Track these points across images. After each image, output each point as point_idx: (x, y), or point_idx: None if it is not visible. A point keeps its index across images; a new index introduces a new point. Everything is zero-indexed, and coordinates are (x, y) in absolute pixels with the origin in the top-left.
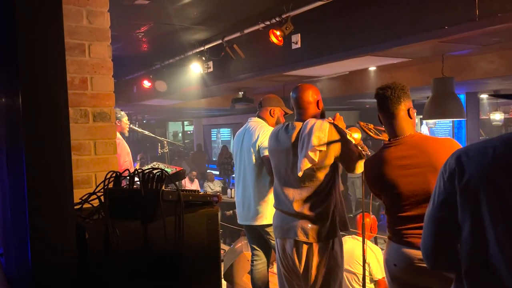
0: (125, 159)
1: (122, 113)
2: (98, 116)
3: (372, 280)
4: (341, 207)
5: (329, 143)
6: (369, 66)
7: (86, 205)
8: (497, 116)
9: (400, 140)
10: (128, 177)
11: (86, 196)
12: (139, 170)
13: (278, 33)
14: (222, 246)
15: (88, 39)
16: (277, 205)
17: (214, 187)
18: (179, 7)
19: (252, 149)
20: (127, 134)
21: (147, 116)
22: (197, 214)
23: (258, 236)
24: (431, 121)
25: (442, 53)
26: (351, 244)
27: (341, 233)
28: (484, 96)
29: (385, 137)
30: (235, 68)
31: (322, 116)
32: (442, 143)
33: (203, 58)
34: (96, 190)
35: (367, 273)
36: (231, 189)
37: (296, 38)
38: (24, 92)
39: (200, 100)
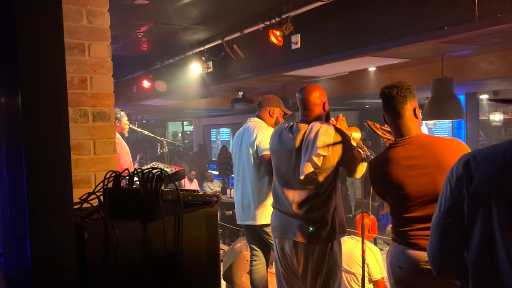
0: (125, 158)
1: (122, 113)
2: (98, 116)
3: (371, 281)
4: (340, 211)
5: (333, 149)
6: (368, 67)
7: (85, 205)
8: (497, 117)
9: (407, 140)
10: (127, 177)
11: (86, 195)
12: (138, 170)
13: (278, 33)
14: (222, 246)
15: (88, 39)
16: (276, 204)
17: (213, 187)
18: (179, 7)
19: (250, 149)
20: (126, 134)
21: (146, 116)
22: (196, 214)
23: (257, 236)
24: (430, 122)
25: (441, 53)
26: (350, 245)
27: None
28: (483, 96)
29: (390, 136)
30: (234, 68)
31: (327, 117)
32: (450, 143)
33: (203, 58)
34: (96, 190)
35: (366, 274)
36: (230, 189)
37: (296, 38)
38: (23, 92)
39: (199, 100)
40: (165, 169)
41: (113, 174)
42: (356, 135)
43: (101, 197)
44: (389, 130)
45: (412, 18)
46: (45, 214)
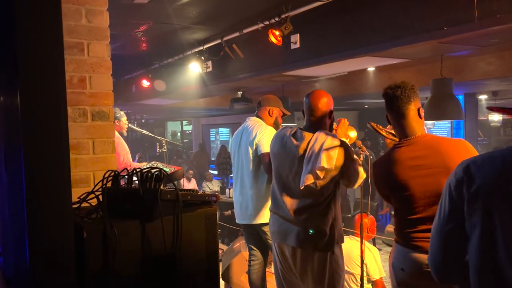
0: (125, 157)
1: (122, 112)
2: (97, 115)
3: (369, 281)
4: (339, 222)
5: (336, 163)
6: (368, 67)
7: (84, 204)
8: (496, 117)
9: (411, 140)
10: (126, 177)
11: (85, 195)
12: (137, 169)
13: (277, 33)
14: (220, 246)
15: (87, 38)
16: (275, 208)
17: (212, 186)
18: (178, 7)
19: (250, 148)
20: (125, 134)
21: (145, 116)
22: (195, 213)
23: (255, 235)
24: (429, 122)
25: (441, 54)
26: (349, 245)
27: None
28: (482, 97)
29: (394, 138)
30: (234, 68)
31: (330, 126)
32: (456, 144)
33: (202, 58)
34: (95, 189)
35: (364, 274)
36: (229, 189)
37: (295, 38)
38: (23, 91)
39: (199, 100)
40: (164, 168)
41: (112, 174)
42: (352, 134)
43: (100, 197)
44: (393, 131)
45: (411, 18)
46: (44, 214)
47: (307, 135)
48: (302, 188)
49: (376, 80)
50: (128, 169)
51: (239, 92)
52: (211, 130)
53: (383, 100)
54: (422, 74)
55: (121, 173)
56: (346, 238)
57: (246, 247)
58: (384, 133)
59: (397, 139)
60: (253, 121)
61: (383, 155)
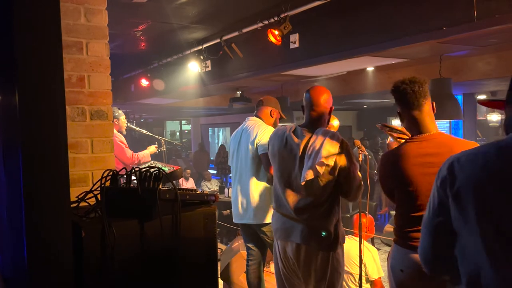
0: (129, 151)
1: (120, 111)
2: (96, 114)
3: (368, 280)
4: (340, 223)
5: (337, 159)
6: (367, 67)
7: (82, 204)
8: (494, 117)
9: (425, 137)
10: (125, 176)
11: (83, 194)
12: (136, 169)
13: (276, 32)
14: (219, 245)
15: (85, 37)
16: (277, 207)
17: (211, 186)
18: (177, 6)
19: (250, 147)
20: (124, 133)
21: (144, 115)
22: (194, 213)
23: (253, 235)
24: None
25: (440, 54)
26: (347, 244)
27: None
28: (481, 97)
29: (403, 136)
30: (233, 67)
31: (328, 122)
32: (470, 146)
33: (201, 57)
34: (93, 189)
35: (363, 273)
36: (228, 189)
37: (295, 37)
38: (21, 90)
39: (198, 99)
40: (163, 168)
41: (111, 173)
42: (335, 123)
43: (99, 196)
44: (401, 129)
45: (410, 18)
46: (42, 213)
47: (308, 132)
48: (303, 183)
49: (375, 80)
50: (136, 162)
51: (238, 92)
52: (210, 129)
53: (382, 100)
54: (421, 74)
55: (120, 172)
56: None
57: (244, 246)
58: (394, 133)
59: (405, 136)
60: (253, 121)
61: (393, 148)
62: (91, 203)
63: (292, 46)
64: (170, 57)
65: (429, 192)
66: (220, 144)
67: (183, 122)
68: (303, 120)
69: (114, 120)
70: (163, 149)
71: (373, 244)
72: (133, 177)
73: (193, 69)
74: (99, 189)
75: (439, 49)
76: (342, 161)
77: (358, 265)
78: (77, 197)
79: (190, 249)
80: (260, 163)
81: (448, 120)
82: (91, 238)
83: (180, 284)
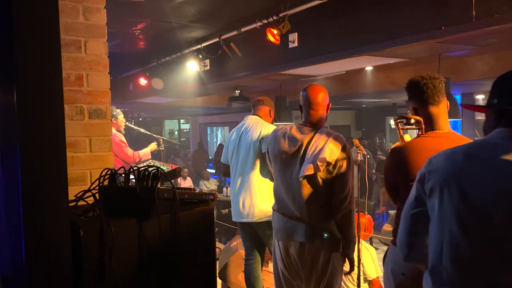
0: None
1: (118, 110)
2: (94, 113)
3: (366, 280)
4: None
5: (338, 159)
6: (365, 66)
7: (81, 203)
8: None
9: (438, 134)
10: (123, 175)
11: (81, 193)
12: (134, 168)
13: (275, 31)
14: (218, 244)
15: (84, 36)
16: (279, 208)
17: (209, 185)
18: (176, 5)
19: (253, 145)
20: (123, 132)
21: (143, 114)
22: (192, 212)
23: (253, 234)
24: None
25: (438, 53)
26: None
27: None
28: (479, 97)
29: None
30: (232, 67)
31: (325, 120)
32: None
33: (200, 56)
34: (91, 188)
35: (361, 273)
36: (227, 188)
37: (293, 37)
38: (19, 88)
39: (196, 98)
40: (161, 167)
41: (109, 172)
42: None
43: (97, 195)
44: (418, 119)
45: (409, 18)
46: (40, 212)
47: (308, 129)
48: (301, 178)
49: (373, 79)
50: (137, 160)
51: (236, 91)
52: (208, 128)
53: (381, 100)
54: (420, 73)
55: (118, 171)
56: None
57: (243, 246)
58: (411, 126)
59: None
60: (253, 119)
61: (405, 142)
62: (90, 202)
63: (291, 45)
64: (169, 56)
65: None
66: (218, 143)
67: (182, 121)
68: (301, 119)
69: (113, 119)
70: (161, 148)
71: (371, 243)
72: (132, 176)
73: (192, 68)
74: (97, 188)
75: (438, 48)
76: (343, 162)
77: (356, 264)
78: (75, 196)
79: (188, 248)
80: (264, 160)
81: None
82: (89, 237)
83: (178, 283)
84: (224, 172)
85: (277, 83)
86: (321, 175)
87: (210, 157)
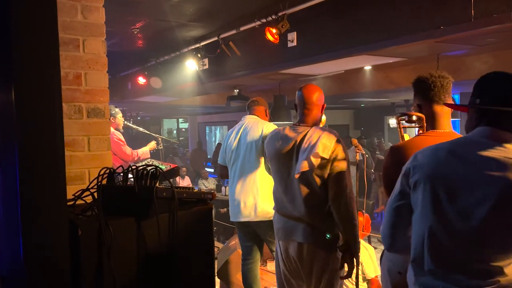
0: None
1: (117, 109)
2: (92, 112)
3: (365, 279)
4: None
5: (331, 155)
6: (364, 65)
7: (79, 202)
8: None
9: (439, 133)
10: (121, 174)
11: (79, 192)
12: (133, 167)
13: (274, 31)
14: (216, 243)
15: (82, 34)
16: (278, 208)
17: (208, 184)
18: (174, 4)
19: (255, 144)
20: (122, 131)
21: (141, 113)
22: (191, 211)
23: (252, 233)
24: None
25: (437, 53)
26: None
27: None
28: None
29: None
30: (230, 66)
31: (320, 120)
32: None
33: (199, 55)
34: (90, 187)
35: (360, 272)
36: (225, 187)
37: (292, 36)
38: (17, 87)
39: (195, 98)
40: (160, 166)
41: (107, 171)
42: (323, 118)
43: (95, 194)
44: (421, 116)
45: (408, 17)
46: (38, 211)
47: (302, 128)
48: (297, 176)
49: (372, 79)
50: (136, 159)
51: (235, 90)
52: (207, 127)
53: (379, 99)
54: (418, 73)
55: (117, 170)
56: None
57: None
58: (413, 124)
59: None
60: (252, 119)
61: (405, 140)
62: (88, 201)
63: (290, 44)
64: (168, 55)
65: None
66: (217, 142)
67: (180, 120)
68: (298, 116)
69: (111, 118)
70: (160, 147)
71: (369, 242)
72: (130, 175)
73: (191, 67)
74: (95, 187)
75: (437, 48)
76: (337, 158)
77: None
78: (73, 195)
79: (187, 247)
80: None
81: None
82: (87, 236)
83: (177, 282)
84: (221, 174)
85: (275, 82)
86: (316, 173)
87: (209, 156)
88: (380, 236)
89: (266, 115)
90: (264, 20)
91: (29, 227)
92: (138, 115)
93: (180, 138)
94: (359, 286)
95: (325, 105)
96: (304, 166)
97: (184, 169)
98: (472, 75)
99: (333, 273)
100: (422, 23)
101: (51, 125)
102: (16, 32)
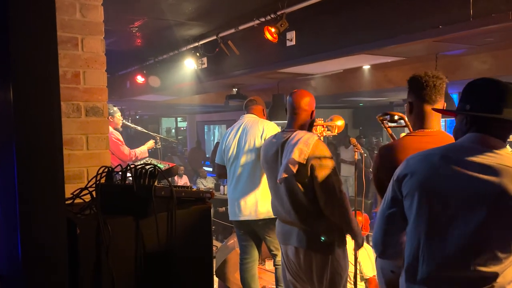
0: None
1: (115, 108)
2: (91, 111)
3: (362, 279)
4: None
5: (310, 159)
6: (363, 65)
7: (77, 200)
8: None
9: (427, 132)
10: (120, 173)
11: (78, 191)
12: (131, 166)
13: (273, 30)
14: (214, 242)
15: (81, 33)
16: (275, 213)
17: (207, 183)
18: (173, 2)
19: (256, 142)
20: (120, 129)
21: (140, 112)
22: (189, 210)
23: (251, 233)
24: None
25: (436, 52)
26: None
27: None
28: None
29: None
30: (229, 65)
31: (310, 126)
32: None
33: (197, 54)
34: (88, 185)
35: (358, 271)
36: (224, 186)
37: (291, 35)
38: (15, 86)
39: (193, 96)
40: (159, 165)
41: (106, 170)
42: (339, 123)
43: (94, 193)
44: (402, 116)
45: (407, 17)
46: (36, 210)
47: (287, 133)
48: (279, 182)
49: (370, 78)
50: (134, 158)
51: (234, 89)
52: (205, 126)
53: (378, 99)
54: (417, 72)
55: (115, 169)
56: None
57: None
58: (393, 124)
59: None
60: (251, 118)
61: (393, 141)
62: (86, 200)
63: (288, 43)
64: (166, 53)
65: None
66: (216, 141)
67: (179, 119)
68: (287, 121)
69: (110, 117)
70: (158, 146)
71: (368, 242)
72: (129, 174)
73: (189, 66)
74: (94, 186)
75: (435, 47)
76: (316, 161)
77: (353, 263)
78: (72, 193)
79: (185, 246)
80: None
81: (444, 119)
82: (86, 235)
83: (175, 281)
84: (219, 174)
85: (274, 81)
86: (297, 179)
87: (207, 155)
88: None
89: (264, 114)
90: (263, 19)
91: (27, 226)
92: (136, 114)
93: (179, 137)
94: (357, 285)
95: (315, 111)
96: (283, 172)
97: (182, 168)
98: (470, 74)
99: (333, 275)
100: (420, 23)
101: (50, 123)
102: (14, 31)
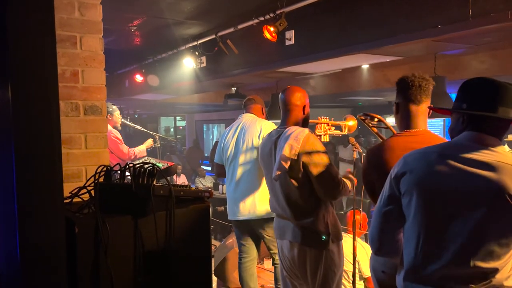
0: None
1: (114, 107)
2: (89, 110)
3: (361, 277)
4: (333, 220)
5: (301, 154)
6: (362, 64)
7: (76, 199)
8: None
9: (412, 132)
10: (119, 172)
11: (76, 190)
12: (130, 165)
13: (272, 29)
14: (213, 241)
15: (79, 32)
16: (272, 209)
17: (205, 182)
18: (172, 1)
19: (254, 142)
20: (119, 128)
21: (139, 111)
22: (188, 209)
23: (250, 232)
24: None
25: (435, 52)
26: None
27: None
28: None
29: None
30: (228, 64)
31: (305, 121)
32: None
33: (196, 53)
34: (87, 184)
35: (356, 271)
36: (222, 185)
37: (290, 34)
38: (14, 85)
39: (192, 95)
40: (157, 164)
41: (104, 169)
42: (351, 123)
43: (92, 192)
44: (381, 119)
45: (406, 16)
46: (35, 208)
47: (281, 130)
48: (275, 179)
49: (369, 77)
50: (132, 157)
51: (233, 88)
52: (204, 125)
53: (377, 98)
54: (416, 72)
55: (114, 168)
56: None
57: None
58: (372, 124)
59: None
60: (250, 117)
61: (379, 142)
62: (85, 199)
63: (287, 42)
64: (165, 52)
65: None
66: (214, 140)
67: (178, 118)
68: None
69: (108, 116)
70: (157, 145)
71: (366, 241)
72: (127, 173)
73: (188, 65)
74: (92, 184)
75: (434, 47)
76: (308, 156)
77: (352, 262)
78: (70, 192)
79: (184, 245)
80: None
81: (442, 119)
82: (84, 234)
83: (174, 280)
84: (218, 173)
85: (273, 81)
86: (290, 175)
87: (206, 155)
88: None
89: (263, 113)
90: (262, 18)
91: (26, 225)
92: (135, 113)
93: (178, 136)
94: (356, 284)
95: (308, 105)
96: (277, 170)
97: (179, 166)
98: (469, 74)
99: (327, 271)
100: (419, 22)
101: (48, 122)
102: (12, 29)
